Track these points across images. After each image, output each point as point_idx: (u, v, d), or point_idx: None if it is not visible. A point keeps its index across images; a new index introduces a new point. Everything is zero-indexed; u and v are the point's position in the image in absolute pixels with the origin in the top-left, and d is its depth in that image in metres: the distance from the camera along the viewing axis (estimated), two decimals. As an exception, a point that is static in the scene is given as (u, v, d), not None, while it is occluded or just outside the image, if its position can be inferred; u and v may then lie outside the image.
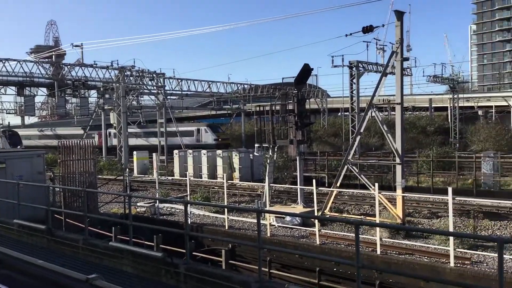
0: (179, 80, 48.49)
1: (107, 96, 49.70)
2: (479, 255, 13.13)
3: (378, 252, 13.88)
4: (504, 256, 10.47)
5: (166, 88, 47.64)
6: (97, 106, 52.98)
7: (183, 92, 49.89)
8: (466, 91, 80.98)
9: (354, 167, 19.08)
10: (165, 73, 47.25)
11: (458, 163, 26.53)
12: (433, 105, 65.51)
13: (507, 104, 62.67)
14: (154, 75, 46.26)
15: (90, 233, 12.01)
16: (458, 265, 12.51)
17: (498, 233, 15.99)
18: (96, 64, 42.04)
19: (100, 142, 58.58)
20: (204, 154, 33.65)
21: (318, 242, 15.26)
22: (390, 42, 21.21)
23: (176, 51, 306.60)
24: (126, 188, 23.57)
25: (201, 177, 32.81)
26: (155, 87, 47.47)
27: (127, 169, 27.45)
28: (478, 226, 16.47)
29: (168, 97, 49.54)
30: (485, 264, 12.61)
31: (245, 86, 56.25)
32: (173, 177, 34.48)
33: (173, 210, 22.29)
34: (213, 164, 33.07)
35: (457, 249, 13.00)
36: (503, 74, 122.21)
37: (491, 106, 64.17)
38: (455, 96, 57.18)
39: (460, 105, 58.21)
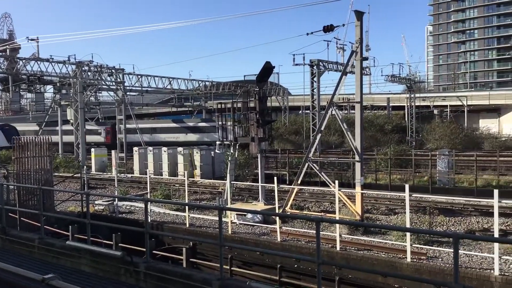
0: (139, 76, 47.70)
1: (63, 91, 48.39)
2: (435, 250, 13.53)
3: (338, 249, 14.09)
4: (459, 251, 10.83)
5: (126, 84, 46.82)
6: (53, 101, 51.52)
7: (143, 89, 49.10)
8: (423, 91, 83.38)
9: (314, 164, 19.29)
10: (125, 68, 46.42)
11: (414, 161, 27.23)
12: (391, 104, 67.03)
13: (461, 103, 64.87)
14: (113, 70, 45.36)
15: (46, 232, 11.69)
16: (415, 260, 12.85)
17: (452, 229, 16.51)
18: (53, 58, 40.81)
19: (108, 138, 57.04)
20: (164, 151, 33.30)
21: (279, 239, 15.35)
22: (350, 42, 21.62)
23: (136, 46, 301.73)
24: (84, 186, 23.03)
25: (161, 175, 32.45)
26: (114, 83, 46.55)
27: (85, 167, 26.83)
28: (433, 222, 16.96)
29: (128, 93, 48.67)
30: (440, 259, 13.00)
31: (207, 83, 55.92)
32: (132, 175, 33.96)
33: (132, 208, 21.94)
34: (174, 162, 32.78)
35: (413, 245, 13.34)
36: (457, 75, 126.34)
37: (446, 106, 66.26)
38: (412, 95, 58.74)
39: (416, 104, 59.85)
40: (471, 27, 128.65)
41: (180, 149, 32.89)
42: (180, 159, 32.27)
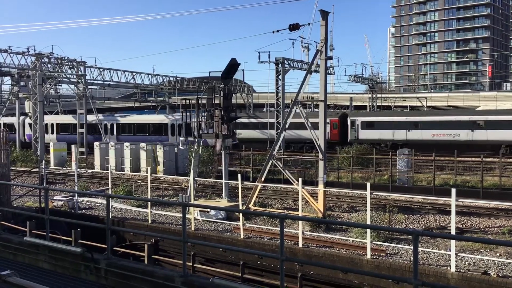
0: (101, 70, 46.72)
1: (22, 83, 46.87)
2: (394, 247, 13.84)
3: (300, 245, 14.23)
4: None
5: (87, 77, 45.76)
6: (11, 94, 49.86)
7: (105, 82, 48.12)
8: (384, 91, 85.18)
9: (278, 162, 19.41)
10: (86, 61, 45.35)
11: (375, 159, 27.78)
12: (353, 104, 68.11)
13: (421, 104, 66.54)
14: (74, 63, 44.26)
15: (3, 227, 11.32)
16: (375, 256, 13.12)
17: (411, 227, 16.93)
18: (11, 49, 39.47)
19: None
20: (127, 146, 32.80)
21: (242, 236, 15.38)
22: (314, 41, 21.83)
23: (98, 39, 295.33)
24: (42, 180, 22.42)
25: (123, 171, 31.95)
26: (75, 76, 45.45)
27: (43, 161, 26.13)
28: (393, 220, 17.35)
29: (89, 86, 47.60)
30: (399, 256, 13.32)
31: (171, 78, 55.34)
32: (93, 170, 33.30)
33: (93, 204, 21.52)
34: (136, 157, 32.33)
35: (373, 242, 13.61)
36: (418, 76, 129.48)
37: (407, 106, 67.85)
38: (374, 95, 59.88)
39: (378, 104, 61.09)
40: (431, 29, 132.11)
41: (143, 144, 32.46)
42: (143, 154, 31.85)
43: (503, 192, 22.40)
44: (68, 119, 51.06)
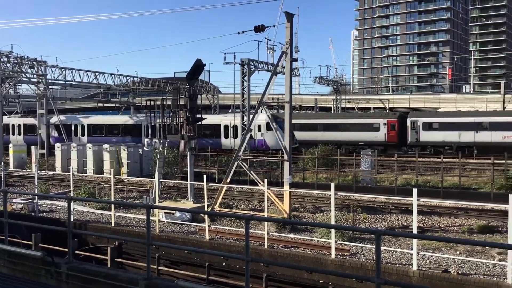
0: (63, 69, 45.62)
1: (-21, 83, 45.32)
2: (357, 246, 14.05)
3: (266, 246, 14.27)
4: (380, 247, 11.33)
5: (48, 77, 44.59)
6: (-33, 93, 48.18)
7: (67, 82, 47.01)
8: (348, 93, 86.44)
9: (244, 163, 19.41)
10: (47, 61, 44.20)
11: (340, 160, 28.13)
12: (318, 105, 68.83)
13: (384, 106, 67.83)
14: (35, 62, 43.09)
15: (-43, 232, 10.88)
16: (339, 256, 13.28)
17: (374, 226, 17.23)
18: (-33, 47, 38.12)
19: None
20: (89, 148, 32.16)
21: (207, 238, 15.30)
22: (280, 43, 21.87)
23: (59, 38, 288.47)
24: (0, 183, 21.73)
25: (86, 172, 31.30)
26: (35, 76, 44.25)
27: (1, 163, 25.33)
28: (356, 220, 17.62)
29: (50, 87, 46.44)
30: (362, 255, 13.52)
31: (135, 78, 54.57)
32: (54, 172, 32.48)
33: (54, 207, 20.99)
34: (99, 159, 31.73)
35: (338, 241, 13.79)
36: (381, 78, 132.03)
37: (370, 108, 69.07)
38: (338, 97, 60.66)
39: (342, 106, 61.91)
40: (394, 33, 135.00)
41: (106, 145, 31.89)
42: (106, 156, 31.28)
43: (463, 192, 23.06)
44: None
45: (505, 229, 15.25)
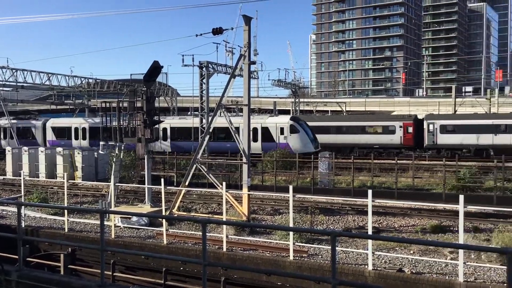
0: (14, 70, 44.05)
1: None
2: (315, 248, 14.18)
3: (224, 249, 14.21)
4: (336, 248, 11.48)
5: (-2, 78, 42.99)
6: None
7: (18, 84, 45.42)
8: (306, 96, 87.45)
9: (203, 166, 19.28)
10: (-3, 62, 42.59)
11: (298, 163, 28.38)
12: (277, 108, 69.17)
13: (340, 109, 69.02)
14: (-16, 63, 41.41)
15: None
16: (297, 258, 13.37)
17: (331, 227, 17.45)
18: None
19: None
20: (41, 151, 31.17)
21: (165, 242, 15.09)
22: (238, 45, 21.95)
23: (10, 39, 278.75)
24: None
25: (38, 177, 30.31)
26: (-16, 77, 42.53)
27: None
28: (314, 221, 17.79)
29: (1, 88, 44.77)
30: (320, 256, 13.66)
31: (90, 80, 53.30)
32: (4, 177, 31.29)
33: (4, 212, 20.20)
34: (52, 163, 30.80)
35: (296, 243, 13.88)
36: (338, 82, 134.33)
37: (327, 111, 70.10)
38: (297, 100, 61.24)
39: (300, 108, 62.53)
40: (350, 37, 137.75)
41: (59, 149, 31.00)
42: (60, 160, 30.40)
43: (416, 193, 23.70)
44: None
45: (456, 229, 15.76)
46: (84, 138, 44.45)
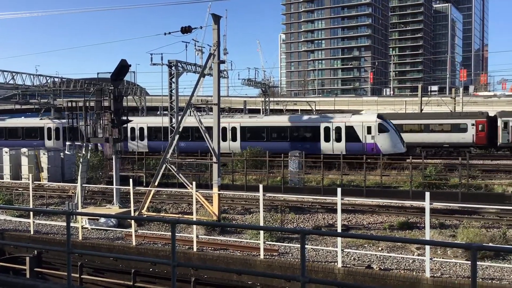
0: (-24, 69, 42.75)
1: None
2: (286, 246, 14.24)
3: (195, 249, 14.12)
4: (306, 246, 11.56)
5: (-40, 77, 41.63)
6: None
7: (-20, 83, 44.13)
8: (276, 95, 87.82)
9: (172, 166, 19.11)
10: (-42, 60, 41.29)
11: (268, 161, 28.44)
12: (247, 107, 69.28)
13: (310, 108, 69.55)
14: None
15: None
16: (267, 256, 13.40)
17: (301, 225, 17.56)
18: None
19: None
20: (6, 152, 30.32)
21: (134, 243, 14.90)
22: (208, 44, 21.82)
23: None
24: None
25: (2, 178, 29.48)
26: None
27: None
28: (285, 220, 17.87)
29: (-38, 87, 43.38)
30: (290, 255, 13.73)
31: (56, 79, 52.17)
32: (-33, 178, 30.33)
33: (-34, 215, 19.57)
34: (17, 163, 29.99)
35: (266, 242, 13.91)
36: (307, 81, 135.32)
37: (297, 110, 70.56)
38: (267, 99, 61.40)
39: (271, 107, 62.63)
40: (319, 37, 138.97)
41: (24, 150, 30.21)
42: (25, 160, 29.63)
43: (384, 190, 24.09)
44: None
45: (423, 225, 16.08)
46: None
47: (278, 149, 33.71)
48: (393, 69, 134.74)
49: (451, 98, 60.91)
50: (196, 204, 15.86)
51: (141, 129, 40.55)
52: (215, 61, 18.04)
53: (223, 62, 22.92)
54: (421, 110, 56.38)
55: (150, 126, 40.64)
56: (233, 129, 37.74)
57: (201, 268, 13.26)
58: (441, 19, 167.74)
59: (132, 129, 39.62)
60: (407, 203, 19.50)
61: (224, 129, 37.02)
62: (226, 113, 45.53)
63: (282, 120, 37.72)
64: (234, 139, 37.56)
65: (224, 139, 36.62)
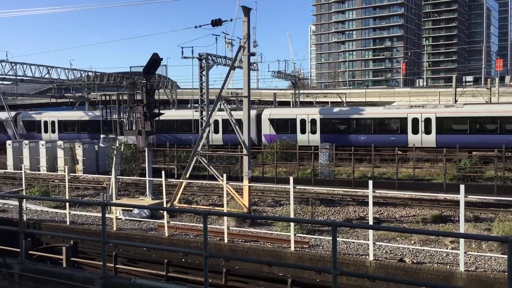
0: (13, 64, 43.97)
1: None
2: (316, 239, 14.22)
3: (226, 241, 14.25)
4: (337, 238, 11.52)
5: (-2, 72, 42.92)
6: None
7: (17, 78, 45.36)
8: (306, 87, 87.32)
9: (203, 158, 19.29)
10: (-3, 55, 42.52)
11: (298, 154, 28.38)
12: (277, 99, 69.13)
13: (341, 100, 68.90)
14: (-17, 57, 41.35)
15: None
16: (298, 249, 13.41)
17: (332, 218, 17.50)
18: None
19: None
20: (42, 145, 31.21)
21: (166, 234, 15.14)
22: (238, 37, 21.89)
23: (9, 32, 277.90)
24: None
25: (39, 170, 30.37)
26: (-16, 71, 42.46)
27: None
28: (315, 212, 17.84)
29: (0, 82, 44.71)
30: (321, 247, 13.70)
31: (90, 73, 53.22)
32: (6, 171, 31.35)
33: (5, 206, 20.25)
34: (53, 156, 30.85)
35: (297, 234, 13.91)
36: (337, 73, 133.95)
37: (327, 102, 69.98)
38: (297, 91, 61.15)
39: (300, 100, 62.41)
40: (350, 28, 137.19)
41: (60, 142, 31.04)
42: (60, 153, 30.45)
43: (416, 183, 23.73)
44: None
45: (457, 219, 15.80)
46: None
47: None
48: (426, 59, 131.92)
49: (487, 88, 59.33)
50: (226, 196, 15.98)
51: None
52: (245, 53, 18.05)
53: (253, 54, 22.93)
54: (455, 101, 55.13)
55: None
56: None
57: (232, 259, 13.39)
58: (476, 8, 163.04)
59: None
60: (441, 196, 19.17)
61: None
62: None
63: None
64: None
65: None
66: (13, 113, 46.57)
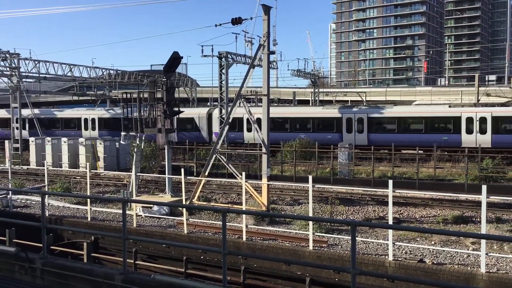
0: (37, 62, 44.68)
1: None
2: (335, 238, 14.17)
3: (244, 239, 14.29)
4: (356, 238, 11.45)
5: (21, 70, 43.63)
6: None
7: (40, 75, 46.07)
8: (326, 86, 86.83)
9: (222, 156, 19.36)
10: (20, 53, 43.23)
11: (317, 153, 28.28)
12: (296, 98, 68.97)
13: (360, 99, 68.38)
14: (7, 55, 42.11)
15: None
16: (316, 248, 13.37)
17: (351, 217, 17.40)
18: None
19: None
20: (64, 142, 31.69)
21: (185, 231, 15.24)
22: (257, 35, 21.91)
23: (33, 30, 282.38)
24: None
25: (61, 167, 30.86)
26: (8, 68, 43.27)
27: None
28: (334, 211, 17.76)
29: (24, 79, 45.48)
30: (339, 247, 13.64)
31: (111, 71, 53.78)
32: (29, 167, 31.92)
33: (28, 202, 20.63)
34: (75, 153, 31.31)
35: (315, 233, 13.87)
36: (358, 71, 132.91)
37: (347, 101, 69.51)
38: (316, 90, 60.93)
39: (320, 98, 62.21)
40: (370, 26, 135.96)
41: (81, 139, 31.48)
42: (82, 150, 30.88)
43: (437, 183, 23.44)
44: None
45: (478, 219, 15.56)
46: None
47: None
48: (449, 58, 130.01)
49: (510, 88, 58.23)
50: (245, 194, 16.01)
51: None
52: (265, 52, 18.06)
53: (273, 53, 22.94)
54: (478, 100, 54.25)
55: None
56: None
57: (250, 257, 13.41)
58: (499, 6, 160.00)
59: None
60: (462, 196, 18.90)
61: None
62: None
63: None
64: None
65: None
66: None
